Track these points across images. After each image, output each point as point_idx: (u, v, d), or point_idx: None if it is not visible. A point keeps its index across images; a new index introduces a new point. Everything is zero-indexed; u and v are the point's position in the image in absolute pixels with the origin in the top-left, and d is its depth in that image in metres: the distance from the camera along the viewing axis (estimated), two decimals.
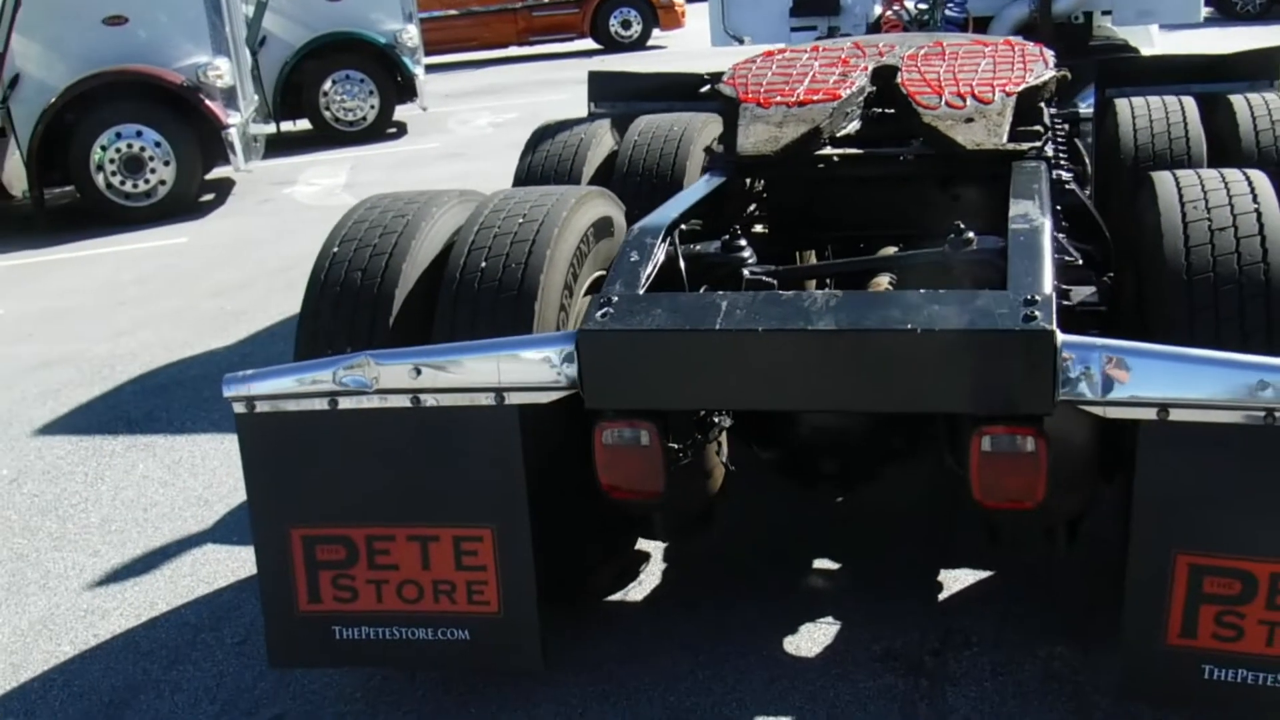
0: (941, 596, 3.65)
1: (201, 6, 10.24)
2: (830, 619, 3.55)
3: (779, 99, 3.83)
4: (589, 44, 21.44)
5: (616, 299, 2.88)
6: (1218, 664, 2.70)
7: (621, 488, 2.94)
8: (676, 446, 2.93)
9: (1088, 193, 4.46)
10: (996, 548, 3.30)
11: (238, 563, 4.17)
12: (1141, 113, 4.38)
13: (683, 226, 3.39)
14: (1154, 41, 8.17)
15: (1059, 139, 4.39)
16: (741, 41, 7.26)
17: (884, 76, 3.97)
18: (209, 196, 11.04)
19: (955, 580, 3.71)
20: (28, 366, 6.68)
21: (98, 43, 10.06)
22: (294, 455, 3.11)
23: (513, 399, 2.92)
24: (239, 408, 3.08)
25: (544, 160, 4.76)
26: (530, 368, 2.88)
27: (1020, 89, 3.72)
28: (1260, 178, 3.16)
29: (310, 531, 3.12)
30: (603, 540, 3.54)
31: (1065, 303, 3.14)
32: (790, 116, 3.76)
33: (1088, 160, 4.85)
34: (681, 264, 3.23)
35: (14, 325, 7.60)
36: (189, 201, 10.40)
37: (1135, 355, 2.60)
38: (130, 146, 10.13)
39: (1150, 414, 2.58)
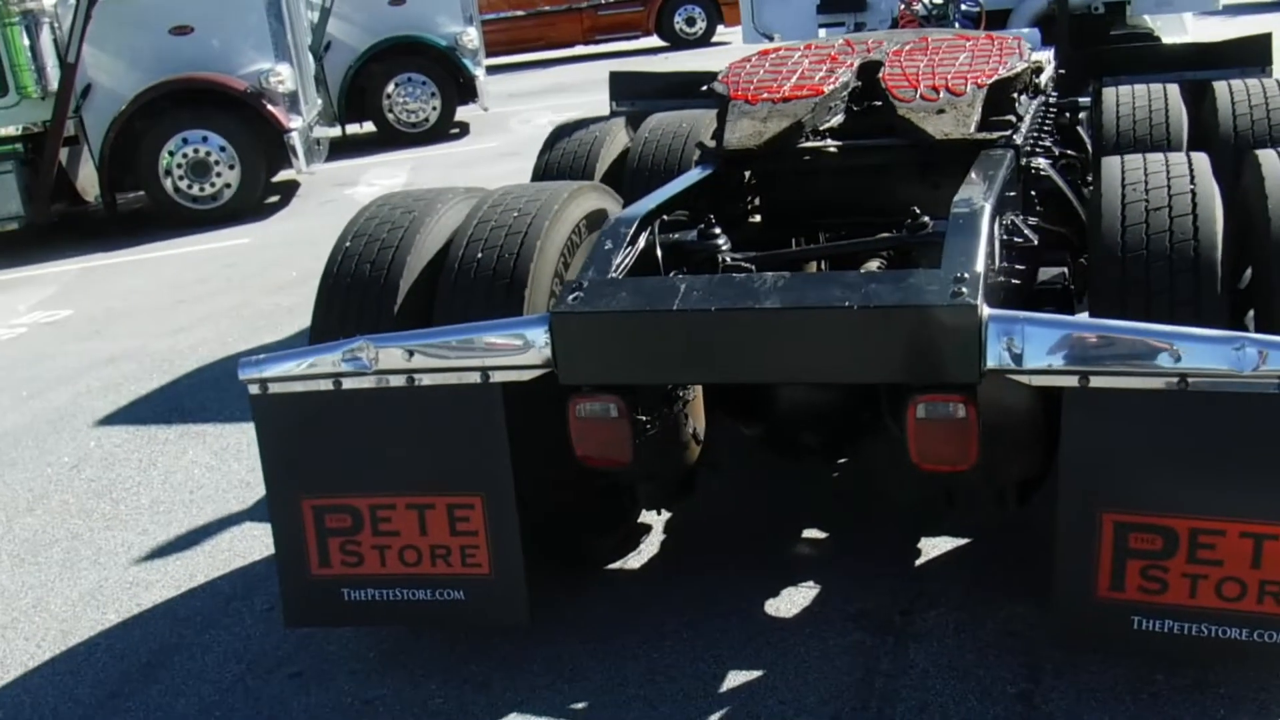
0: (919, 562, 3.85)
1: (264, 14, 10.66)
2: (811, 583, 3.77)
3: (765, 95, 4.05)
4: (654, 41, 21.69)
5: (587, 283, 3.13)
6: (1146, 615, 2.88)
7: (594, 457, 3.19)
8: (644, 419, 3.17)
9: (1087, 178, 4.62)
10: (952, 510, 3.49)
11: (271, 539, 4.48)
12: (1126, 100, 4.53)
13: (665, 217, 3.60)
14: (1188, 30, 8.22)
15: (1047, 126, 4.55)
16: (771, 39, 7.46)
17: (869, 72, 4.17)
18: (274, 199, 11.48)
19: (934, 547, 3.91)
20: (92, 362, 7.09)
21: (165, 52, 10.52)
22: (303, 432, 3.40)
23: (496, 377, 3.18)
24: (254, 389, 3.37)
25: (560, 158, 5.02)
26: (509, 348, 3.14)
27: (991, 81, 3.89)
28: (1201, 160, 3.32)
29: (319, 501, 3.41)
30: (603, 511, 3.80)
31: (1015, 281, 3.33)
32: (775, 112, 3.97)
33: (1090, 147, 4.99)
34: (659, 251, 3.46)
35: (83, 324, 8.04)
36: (253, 204, 10.83)
37: (1055, 327, 2.79)
38: (196, 152, 10.58)
39: (1072, 381, 2.77)
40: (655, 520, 4.24)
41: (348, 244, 3.77)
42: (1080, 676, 3.16)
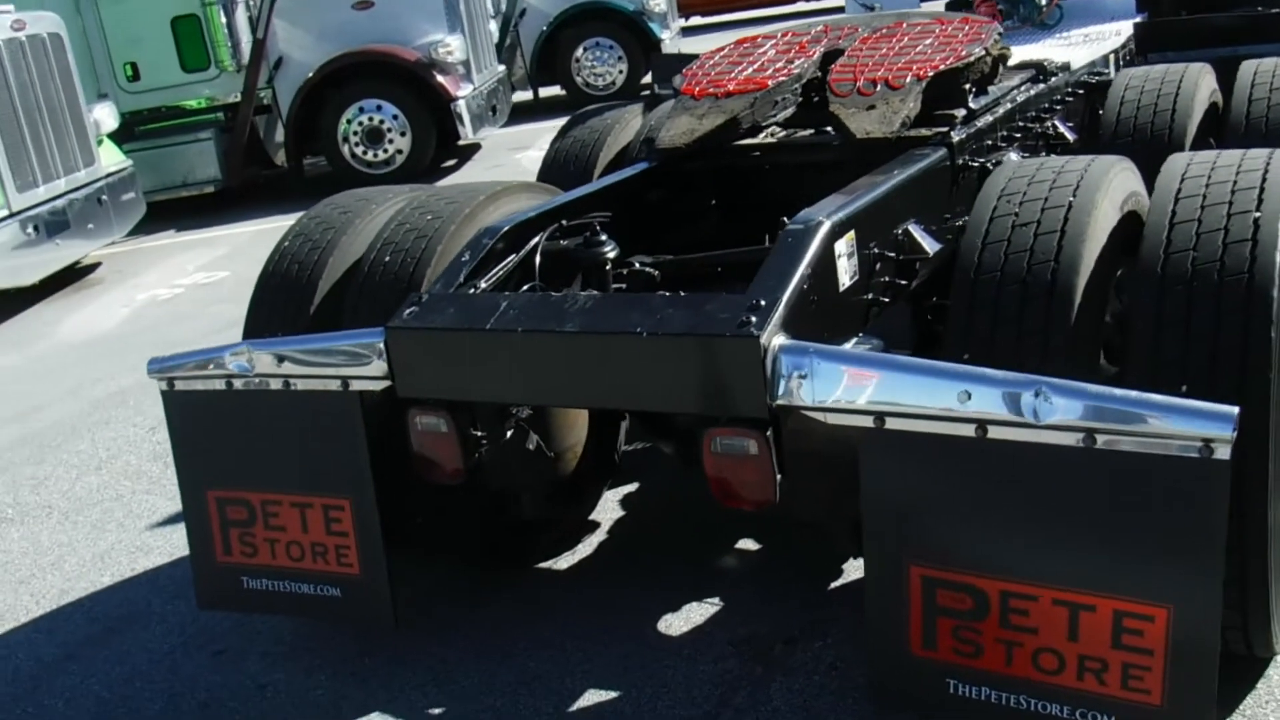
0: (834, 585, 3.66)
1: None
2: (716, 601, 3.66)
3: (712, 89, 3.90)
4: None
5: (425, 297, 3.12)
6: (961, 679, 2.65)
7: (431, 469, 3.19)
8: (479, 434, 3.14)
9: None
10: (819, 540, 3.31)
11: None
12: (1136, 85, 4.11)
13: (564, 222, 3.52)
14: None
15: (1044, 114, 4.18)
16: (872, 8, 7.13)
17: (830, 61, 3.95)
18: (451, 162, 11.85)
19: (856, 572, 3.71)
20: (223, 324, 7.54)
21: (348, 25, 11.00)
22: (204, 427, 3.54)
23: (355, 386, 3.23)
24: (162, 385, 3.54)
25: (570, 145, 4.98)
26: (359, 358, 3.17)
27: (935, 72, 3.62)
28: (1105, 167, 2.98)
29: (220, 493, 3.55)
30: (538, 510, 3.80)
31: (885, 300, 3.11)
32: (714, 108, 3.82)
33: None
34: (537, 260, 3.39)
35: (234, 287, 8.54)
36: (423, 168, 11.22)
37: (846, 361, 2.59)
38: (371, 120, 11.05)
39: (867, 422, 2.57)
40: (605, 519, 4.21)
41: (286, 244, 3.89)
42: None
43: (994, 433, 2.44)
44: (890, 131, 3.49)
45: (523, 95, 14.15)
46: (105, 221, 9.30)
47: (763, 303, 2.67)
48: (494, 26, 12.80)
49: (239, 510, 3.54)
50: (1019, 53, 5.18)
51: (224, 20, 10.97)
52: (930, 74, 3.61)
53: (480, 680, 3.44)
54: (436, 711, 3.35)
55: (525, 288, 3.26)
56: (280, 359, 3.30)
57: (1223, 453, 2.25)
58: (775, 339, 2.62)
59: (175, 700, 3.58)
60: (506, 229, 3.34)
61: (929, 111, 3.63)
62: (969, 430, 2.46)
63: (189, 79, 11.12)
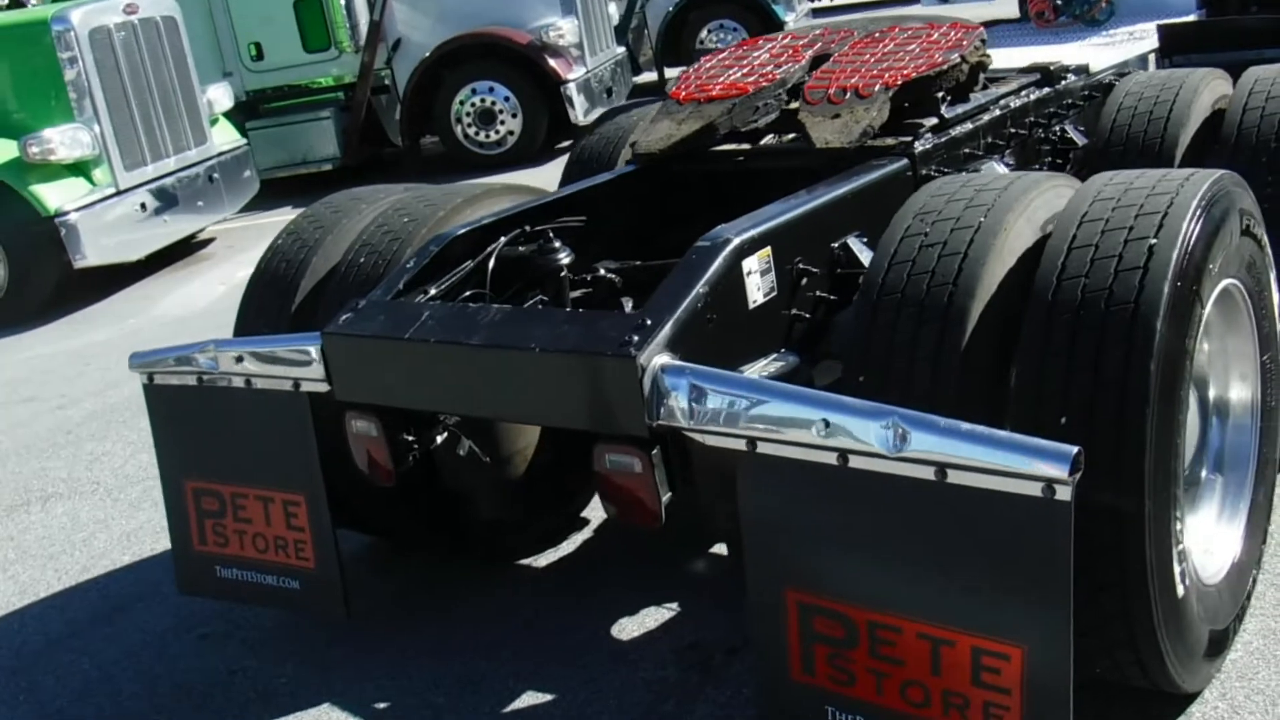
0: None
1: None
2: (675, 606, 3.65)
3: (696, 94, 3.87)
4: None
5: (363, 304, 3.18)
6: (839, 708, 2.60)
7: (366, 472, 3.26)
8: (411, 439, 3.20)
9: None
10: None
11: None
12: (1135, 90, 3.91)
13: (527, 227, 3.54)
14: None
15: (1037, 123, 4.01)
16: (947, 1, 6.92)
17: (818, 66, 3.87)
18: (566, 143, 11.92)
19: None
20: None
21: (464, 7, 11.18)
22: (181, 420, 3.69)
23: (305, 387, 3.32)
24: (142, 378, 3.69)
25: (595, 143, 4.98)
26: (302, 361, 3.26)
27: (904, 81, 3.51)
28: (1026, 186, 2.86)
29: (196, 484, 3.70)
30: (496, 511, 3.86)
31: (807, 317, 3.05)
32: (694, 113, 3.78)
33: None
34: (490, 267, 3.41)
35: None
36: (535, 150, 11.33)
37: (722, 385, 2.55)
38: (483, 101, 11.22)
39: (740, 445, 2.54)
40: (596, 515, 4.24)
41: (279, 242, 4.00)
42: None
43: (854, 462, 2.39)
44: (848, 141, 3.41)
45: (650, 76, 14.18)
46: (216, 199, 9.68)
47: (649, 322, 2.65)
48: (614, 9, 12.83)
49: (212, 501, 3.67)
50: (1056, 52, 4.99)
51: (343, 2, 11.26)
52: (900, 82, 3.51)
53: (431, 676, 3.51)
54: (382, 706, 3.44)
55: (466, 295, 3.29)
56: (239, 358, 3.41)
57: (1064, 494, 2.17)
58: (657, 359, 2.60)
59: (153, 682, 3.74)
60: (456, 235, 3.37)
61: (899, 120, 3.52)
62: (831, 459, 2.41)
63: (310, 59, 11.45)
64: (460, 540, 3.88)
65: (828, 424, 2.39)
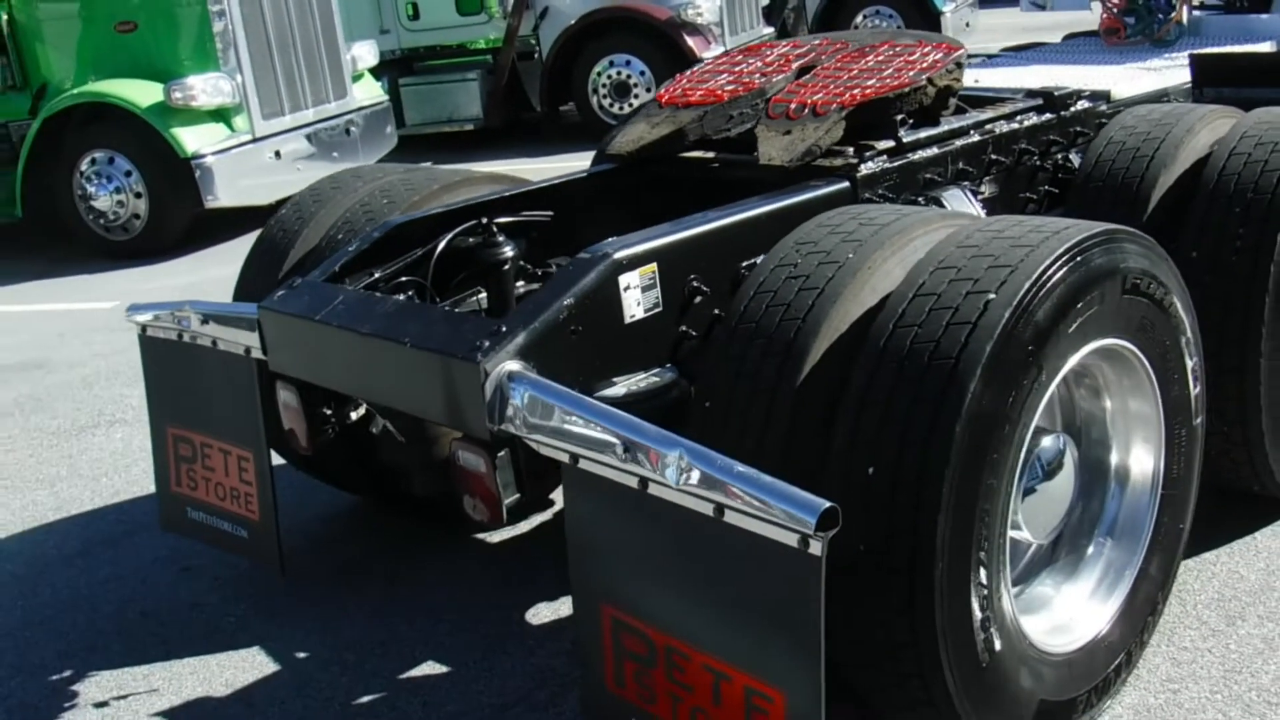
0: None
1: None
2: None
3: (678, 98, 3.93)
4: None
5: (298, 282, 3.38)
6: None
7: (290, 440, 3.47)
8: (329, 413, 3.39)
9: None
10: None
11: None
12: (1129, 124, 3.77)
13: (484, 220, 3.67)
14: None
15: (979, 151, 3.89)
16: (1044, 8, 6.71)
17: (801, 77, 3.88)
18: None
19: None
20: None
21: None
22: (165, 370, 3.98)
23: (254, 353, 3.55)
24: (137, 330, 3.99)
25: (610, 143, 5.07)
26: (248, 328, 3.49)
27: (860, 102, 3.50)
28: (910, 224, 2.82)
29: (175, 430, 3.99)
30: (431, 488, 4.03)
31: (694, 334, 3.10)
32: (668, 118, 3.86)
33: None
34: (434, 256, 3.55)
35: None
36: None
37: (551, 396, 2.64)
38: (620, 74, 11.37)
39: (565, 458, 2.63)
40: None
41: (282, 211, 4.25)
42: None
43: (653, 489, 2.45)
44: (790, 160, 3.43)
45: None
46: (351, 151, 10.10)
47: (504, 329, 2.77)
48: None
49: (187, 448, 3.96)
50: (1112, 72, 4.83)
51: None
52: (856, 102, 3.50)
53: (355, 635, 3.74)
54: (300, 656, 3.68)
55: (402, 282, 3.45)
56: (204, 320, 3.66)
57: (816, 547, 2.20)
58: (504, 366, 2.71)
59: (124, 607, 4.08)
60: (401, 223, 3.54)
61: (855, 141, 3.52)
62: (634, 482, 2.48)
63: (462, 21, 11.81)
64: (415, 512, 4.08)
65: (626, 449, 2.46)
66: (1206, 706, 3.06)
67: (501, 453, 2.80)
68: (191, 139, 8.94)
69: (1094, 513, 3.13)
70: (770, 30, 12.66)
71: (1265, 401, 3.50)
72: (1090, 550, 3.10)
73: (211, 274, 8.56)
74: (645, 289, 2.99)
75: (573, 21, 11.40)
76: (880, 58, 3.80)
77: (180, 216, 9.27)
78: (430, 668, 3.52)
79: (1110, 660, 2.98)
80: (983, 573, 2.54)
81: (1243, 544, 3.75)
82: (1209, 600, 3.49)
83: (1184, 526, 3.19)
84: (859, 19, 13.65)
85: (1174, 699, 3.10)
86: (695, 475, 2.35)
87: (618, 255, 2.94)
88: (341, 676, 3.53)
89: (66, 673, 3.73)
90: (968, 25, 13.61)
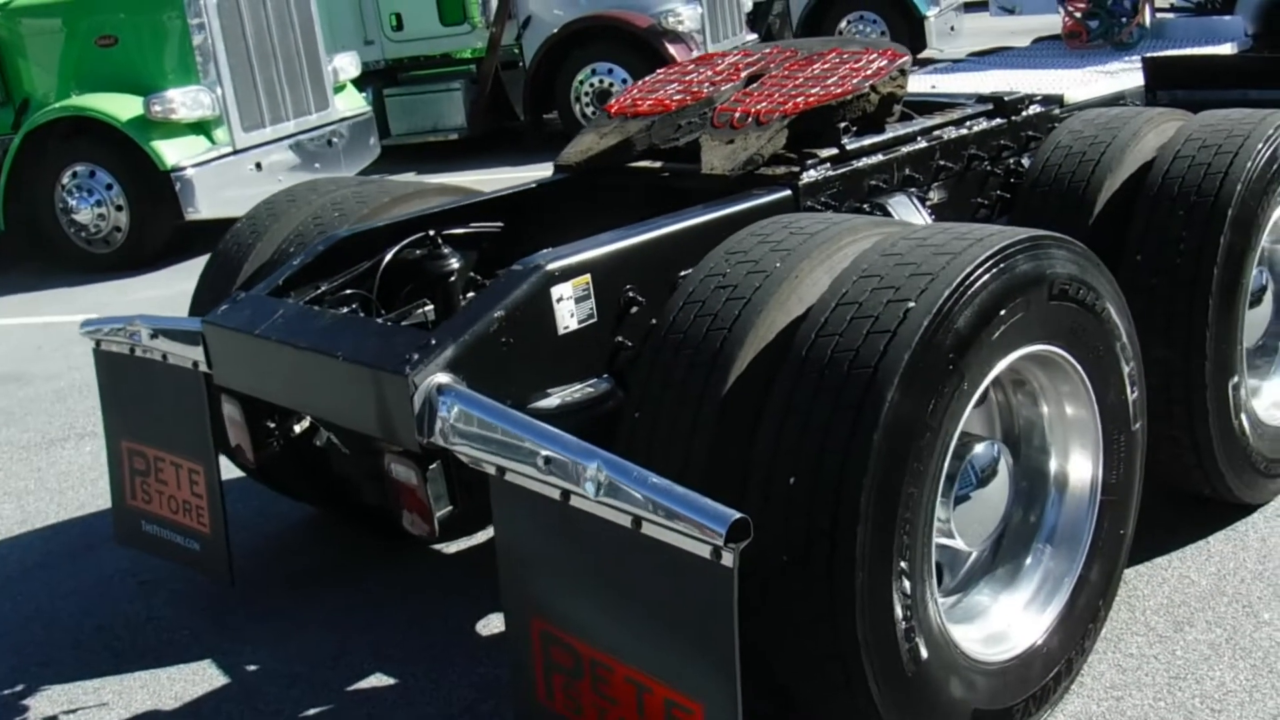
0: None
1: None
2: None
3: (628, 108, 3.94)
4: None
5: (241, 296, 3.39)
6: None
7: (235, 454, 3.48)
8: (272, 426, 3.39)
9: None
10: None
11: None
12: (1076, 128, 3.77)
13: (430, 232, 3.68)
14: None
15: (926, 158, 3.89)
16: (1012, 12, 6.72)
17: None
18: None
19: None
20: None
21: None
22: (119, 384, 3.99)
23: (201, 367, 3.56)
24: (91, 343, 4.00)
25: (561, 153, 5.08)
26: (192, 343, 3.49)
27: (803, 109, 3.50)
28: (839, 231, 2.82)
29: (129, 444, 4.00)
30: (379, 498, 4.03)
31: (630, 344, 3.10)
32: (616, 128, 3.87)
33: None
34: (380, 269, 3.56)
35: None
36: None
37: (477, 409, 2.65)
38: (601, 82, 11.39)
39: (492, 470, 2.64)
40: None
41: (238, 225, 4.27)
42: None
43: (574, 501, 2.46)
44: (731, 169, 3.44)
45: None
46: (334, 162, 10.11)
47: (434, 342, 2.78)
48: None
49: (140, 461, 3.97)
50: (1068, 76, 4.83)
51: None
52: (798, 110, 3.50)
53: (306, 647, 3.74)
54: (253, 668, 3.68)
55: (347, 295, 3.45)
56: (154, 334, 3.67)
57: (728, 559, 2.20)
58: (432, 379, 2.72)
59: (82, 620, 4.08)
60: (345, 236, 3.55)
61: (799, 149, 3.52)
62: (556, 494, 2.49)
63: (446, 31, 11.83)
64: (369, 522, 4.08)
65: (547, 460, 2.46)
66: (1149, 714, 3.06)
67: (433, 465, 2.81)
68: (171, 151, 8.95)
69: (1034, 521, 3.13)
70: (754, 37, 12.67)
71: (1212, 404, 3.50)
72: (1029, 559, 3.10)
73: (191, 286, 8.54)
74: (579, 300, 3.00)
75: (555, 30, 11.42)
76: (826, 65, 3.81)
77: (161, 229, 9.29)
78: (378, 680, 3.53)
79: (1048, 669, 2.97)
80: (906, 582, 2.54)
81: (1195, 549, 3.75)
82: (1158, 606, 3.49)
83: (1125, 533, 3.18)
84: (843, 24, 13.65)
85: (1117, 706, 3.10)
86: (610, 487, 2.36)
87: (550, 267, 2.94)
88: (291, 689, 3.54)
89: (18, 687, 3.73)
90: (953, 29, 13.61)
